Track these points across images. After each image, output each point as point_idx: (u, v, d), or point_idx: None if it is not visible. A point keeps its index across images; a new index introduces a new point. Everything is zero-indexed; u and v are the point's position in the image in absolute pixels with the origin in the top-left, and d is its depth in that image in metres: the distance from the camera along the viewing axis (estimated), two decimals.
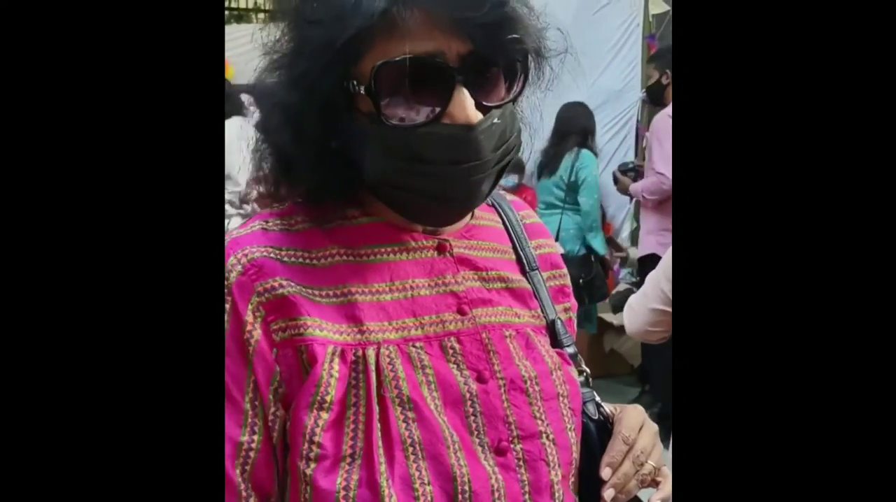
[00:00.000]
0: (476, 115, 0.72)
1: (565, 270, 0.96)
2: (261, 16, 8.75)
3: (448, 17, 0.68)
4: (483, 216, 0.90)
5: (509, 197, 0.96)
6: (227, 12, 9.12)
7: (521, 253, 0.90)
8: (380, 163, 0.75)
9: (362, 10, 0.67)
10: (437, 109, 0.71)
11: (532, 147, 0.86)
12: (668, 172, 3.51)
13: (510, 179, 5.54)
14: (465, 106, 0.71)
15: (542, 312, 0.90)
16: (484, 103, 0.73)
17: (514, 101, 0.78)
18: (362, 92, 0.72)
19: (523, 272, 0.90)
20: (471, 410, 0.78)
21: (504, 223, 0.92)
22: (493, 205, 0.92)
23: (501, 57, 0.73)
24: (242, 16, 8.69)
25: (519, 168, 5.64)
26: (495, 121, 0.73)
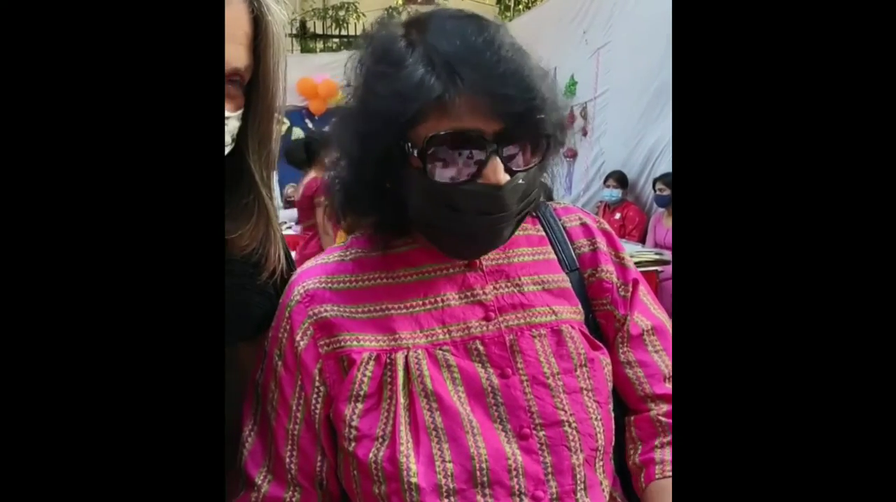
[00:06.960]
0: (504, 178, 0.85)
1: (605, 266, 1.03)
2: None
3: (487, 105, 0.82)
4: (520, 228, 1.00)
5: (557, 205, 1.09)
6: (337, 40, 9.50)
7: (560, 255, 1.03)
8: (423, 206, 0.89)
9: (422, 94, 0.81)
10: (475, 172, 0.85)
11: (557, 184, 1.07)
12: None
13: (615, 193, 5.51)
14: (497, 171, 0.84)
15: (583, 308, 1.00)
16: (512, 168, 0.86)
17: (538, 165, 0.91)
18: (415, 154, 0.85)
19: (566, 272, 1.01)
20: (493, 401, 0.90)
21: (545, 230, 1.04)
22: (536, 216, 1.05)
23: (527, 135, 0.87)
24: (352, 42, 9.03)
25: (622, 184, 5.59)
26: (519, 182, 0.87)
